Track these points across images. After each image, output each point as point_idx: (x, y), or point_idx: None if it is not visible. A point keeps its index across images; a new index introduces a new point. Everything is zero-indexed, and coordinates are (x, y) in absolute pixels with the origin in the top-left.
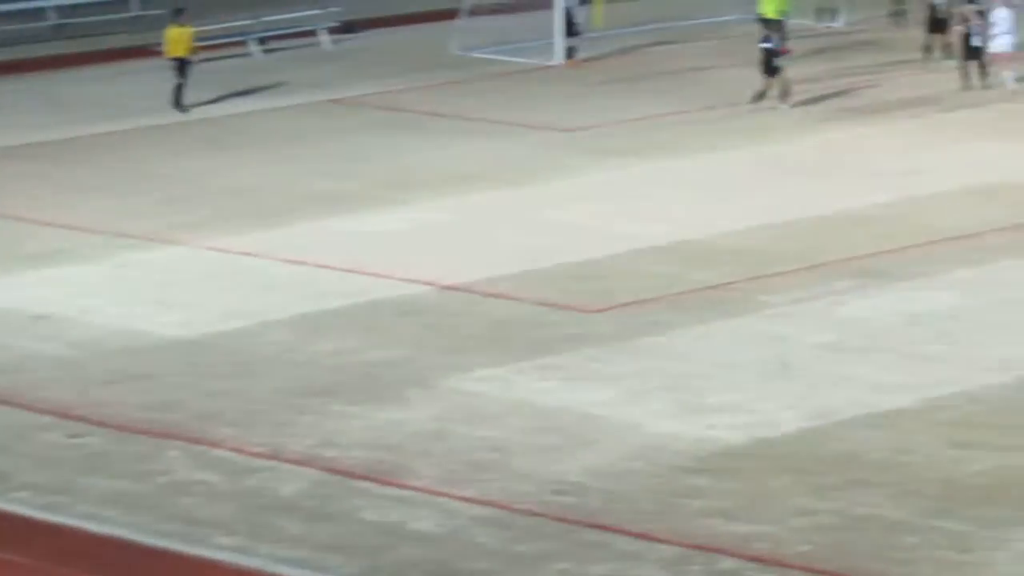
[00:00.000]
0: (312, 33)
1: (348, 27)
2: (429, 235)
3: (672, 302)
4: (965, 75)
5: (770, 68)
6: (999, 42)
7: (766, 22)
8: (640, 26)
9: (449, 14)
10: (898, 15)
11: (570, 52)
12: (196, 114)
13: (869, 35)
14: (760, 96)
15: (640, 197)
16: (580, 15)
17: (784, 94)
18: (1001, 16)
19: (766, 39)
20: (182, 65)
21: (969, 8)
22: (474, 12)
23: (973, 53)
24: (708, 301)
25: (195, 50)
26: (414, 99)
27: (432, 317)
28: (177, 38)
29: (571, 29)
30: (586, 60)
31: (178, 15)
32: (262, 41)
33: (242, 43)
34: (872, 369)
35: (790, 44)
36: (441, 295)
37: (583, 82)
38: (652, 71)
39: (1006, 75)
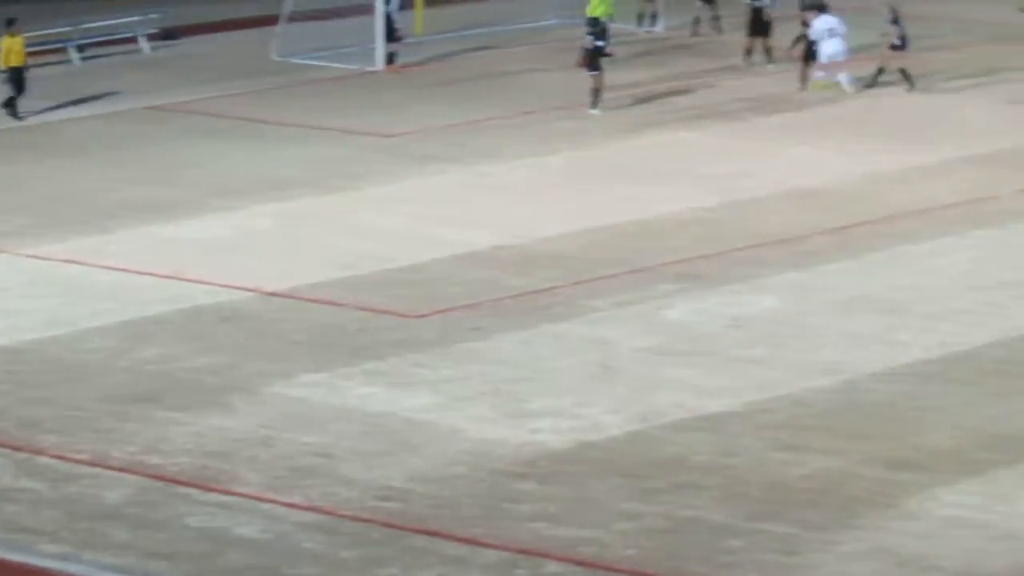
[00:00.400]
0: (132, 40)
1: (168, 34)
2: (252, 241)
3: (494, 307)
4: (804, 78)
5: (595, 66)
6: (833, 48)
7: (594, 23)
8: (460, 31)
9: (269, 20)
10: (708, 21)
11: (390, 58)
12: (15, 121)
13: (689, 40)
14: (597, 94)
15: (461, 202)
16: (401, 21)
17: (596, 98)
18: (833, 21)
19: (597, 38)
20: (18, 75)
21: (810, 13)
22: (293, 18)
23: (813, 57)
24: (530, 306)
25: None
26: (235, 105)
27: (256, 323)
28: (12, 48)
29: (392, 35)
30: (406, 66)
31: (11, 24)
32: (81, 48)
33: (62, 50)
34: (696, 373)
35: (612, 47)
36: (264, 301)
37: (403, 88)
38: (472, 76)
39: (841, 76)
